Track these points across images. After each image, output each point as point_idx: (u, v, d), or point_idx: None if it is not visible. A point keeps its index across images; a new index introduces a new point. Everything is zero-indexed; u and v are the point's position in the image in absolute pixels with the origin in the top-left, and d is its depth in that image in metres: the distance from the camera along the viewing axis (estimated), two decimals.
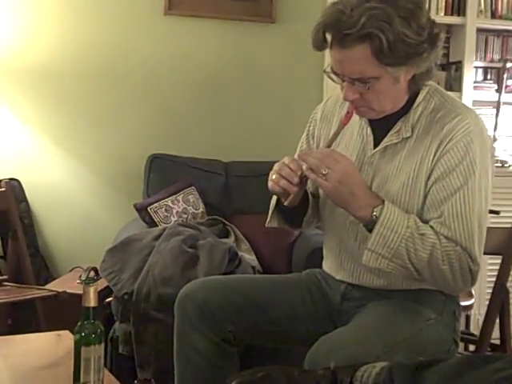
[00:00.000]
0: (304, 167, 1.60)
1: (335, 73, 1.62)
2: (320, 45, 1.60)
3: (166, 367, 2.15)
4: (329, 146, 1.68)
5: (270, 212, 1.87)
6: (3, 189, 2.77)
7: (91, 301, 1.52)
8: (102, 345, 1.53)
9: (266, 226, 1.89)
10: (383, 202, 1.60)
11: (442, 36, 1.61)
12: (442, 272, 1.57)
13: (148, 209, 2.94)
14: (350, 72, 1.58)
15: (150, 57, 3.43)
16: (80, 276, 2.98)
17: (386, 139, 1.70)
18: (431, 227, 1.60)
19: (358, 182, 1.61)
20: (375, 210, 1.58)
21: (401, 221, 1.57)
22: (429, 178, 1.63)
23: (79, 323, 1.51)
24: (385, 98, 1.63)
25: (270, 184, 1.67)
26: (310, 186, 1.86)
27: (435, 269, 1.57)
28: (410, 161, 1.66)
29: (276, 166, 1.67)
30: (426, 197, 1.64)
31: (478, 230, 1.60)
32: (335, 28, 1.53)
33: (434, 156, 1.63)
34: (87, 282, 1.54)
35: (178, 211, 2.98)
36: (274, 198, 1.84)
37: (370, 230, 1.59)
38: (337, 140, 1.74)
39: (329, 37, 1.56)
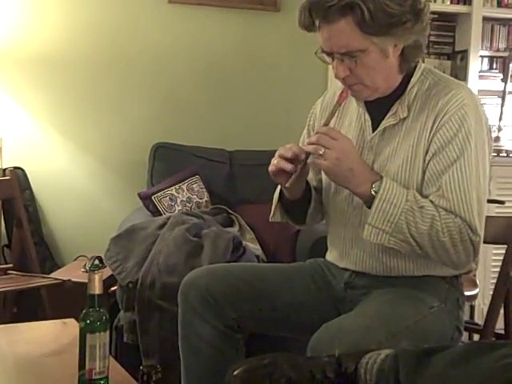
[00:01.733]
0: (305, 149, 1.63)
1: (325, 52, 1.65)
2: (308, 24, 1.63)
3: (171, 355, 2.16)
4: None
5: (274, 206, 1.87)
6: (8, 177, 2.78)
7: (96, 288, 1.52)
8: (108, 332, 1.53)
9: (270, 220, 1.89)
10: (382, 177, 1.62)
11: (427, 11, 1.63)
12: (443, 244, 1.58)
13: (152, 197, 2.94)
14: (338, 46, 1.61)
15: (155, 45, 3.42)
16: (85, 265, 2.99)
17: (383, 122, 1.72)
18: (430, 201, 1.61)
19: (356, 158, 1.63)
20: (374, 185, 1.60)
21: (400, 195, 1.59)
22: (426, 154, 1.65)
23: (84, 310, 1.52)
24: (375, 73, 1.64)
25: (270, 168, 1.69)
26: (312, 178, 1.87)
27: (436, 241, 1.58)
28: (407, 140, 1.68)
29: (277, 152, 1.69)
30: (424, 172, 1.65)
31: (476, 201, 1.60)
32: (318, 3, 1.58)
33: (431, 131, 1.65)
34: (92, 269, 1.54)
35: (182, 200, 2.98)
36: (277, 192, 1.85)
37: (370, 207, 1.60)
38: (336, 128, 1.76)
39: (314, 16, 1.60)
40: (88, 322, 1.51)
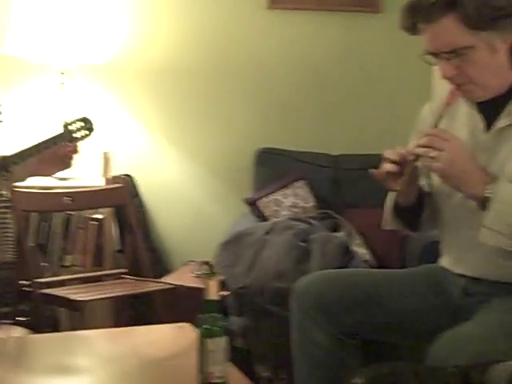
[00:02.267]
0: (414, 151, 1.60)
1: (430, 53, 1.62)
2: (410, 26, 1.61)
3: (283, 361, 2.18)
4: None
5: (386, 213, 1.85)
6: (120, 185, 2.88)
7: (213, 294, 1.55)
8: (225, 337, 1.56)
9: (382, 227, 1.87)
10: (495, 178, 1.57)
11: None
12: None
13: (258, 203, 2.97)
14: (443, 45, 1.58)
15: (256, 51, 3.45)
16: (194, 270, 3.07)
17: (497, 122, 1.66)
18: None
19: (469, 159, 1.59)
20: (489, 186, 1.55)
21: None
22: None
23: (202, 316, 1.55)
24: (485, 71, 1.60)
25: (376, 170, 1.67)
26: (424, 184, 1.84)
27: None
28: None
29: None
30: None
31: None
32: (420, 2, 1.55)
33: None
34: (208, 275, 1.57)
35: (288, 205, 3.00)
36: (389, 198, 1.83)
37: (483, 209, 1.55)
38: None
39: (416, 16, 1.58)
40: (206, 327, 1.54)
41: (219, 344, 1.54)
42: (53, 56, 3.08)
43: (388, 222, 1.86)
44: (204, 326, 1.53)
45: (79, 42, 3.03)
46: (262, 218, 2.95)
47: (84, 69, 3.21)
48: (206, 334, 1.53)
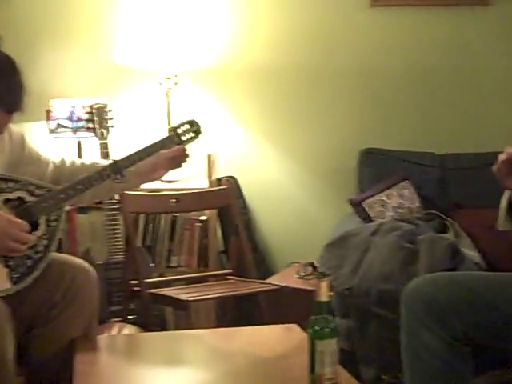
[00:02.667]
0: None
1: None
2: None
3: (390, 364, 2.13)
4: None
5: (501, 214, 1.77)
6: (224, 186, 2.91)
7: (323, 295, 1.54)
8: (336, 339, 1.54)
9: (498, 228, 1.80)
10: None
11: None
12: None
13: (363, 204, 2.93)
14: None
15: (359, 50, 3.41)
16: (298, 271, 3.07)
17: None
18: None
19: None
20: None
21: None
22: None
23: (312, 317, 1.54)
24: None
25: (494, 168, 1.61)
26: None
27: None
28: None
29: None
30: None
31: None
32: None
33: None
34: (319, 276, 1.55)
35: (393, 206, 2.95)
36: (504, 199, 1.75)
37: None
38: None
39: None
40: (316, 328, 1.52)
41: (330, 346, 1.52)
42: (158, 63, 3.16)
43: (502, 222, 1.78)
44: (315, 328, 1.52)
45: (183, 48, 3.09)
46: (367, 219, 2.91)
47: (188, 74, 3.27)
48: (316, 336, 1.51)
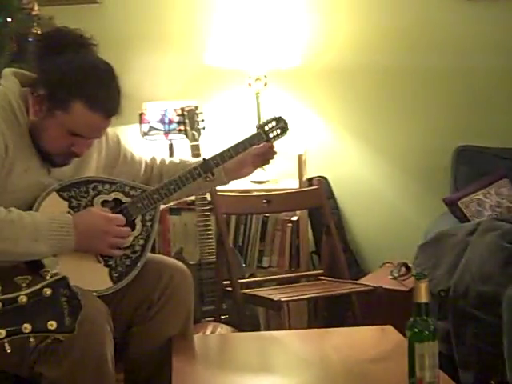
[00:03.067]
0: None
1: None
2: None
3: (490, 368, 2.06)
4: None
5: None
6: (315, 186, 2.89)
7: (423, 297, 1.50)
8: (436, 342, 1.50)
9: None
10: None
11: None
12: None
13: (458, 203, 2.85)
14: None
15: (453, 45, 3.32)
16: (391, 271, 3.01)
17: None
18: None
19: None
20: None
21: None
22: None
23: (411, 319, 1.50)
24: None
25: None
26: None
27: None
28: None
29: None
30: None
31: None
32: None
33: None
34: (418, 277, 1.51)
35: (491, 205, 2.85)
36: None
37: None
38: None
39: None
40: (416, 331, 1.49)
41: (430, 348, 1.48)
42: (247, 63, 3.18)
43: None
44: (414, 330, 1.48)
45: (272, 48, 3.10)
46: (463, 218, 2.82)
47: (277, 74, 3.28)
48: (416, 338, 1.48)
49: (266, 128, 2.19)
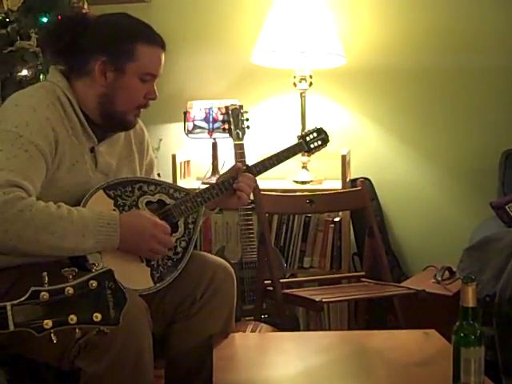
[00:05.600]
0: None
1: None
2: None
3: None
4: None
5: None
6: (359, 188, 2.86)
7: (470, 301, 1.47)
8: (483, 347, 1.47)
9: None
10: None
11: None
12: None
13: (506, 207, 2.79)
14: None
15: (503, 46, 3.25)
16: (435, 275, 2.97)
17: None
18: None
19: None
20: None
21: None
22: None
23: (457, 323, 1.48)
24: None
25: None
26: None
27: None
28: None
29: None
30: None
31: None
32: None
33: None
34: (466, 281, 1.48)
35: None
36: None
37: None
38: None
39: None
40: (462, 335, 1.46)
41: (476, 354, 1.46)
42: (293, 63, 3.18)
43: None
44: (460, 334, 1.46)
45: (317, 48, 3.08)
46: (510, 222, 2.77)
47: (322, 74, 3.27)
48: (461, 343, 1.45)
49: (308, 139, 2.27)
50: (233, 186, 2.02)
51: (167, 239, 1.84)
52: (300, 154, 3.09)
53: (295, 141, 2.28)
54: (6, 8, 2.55)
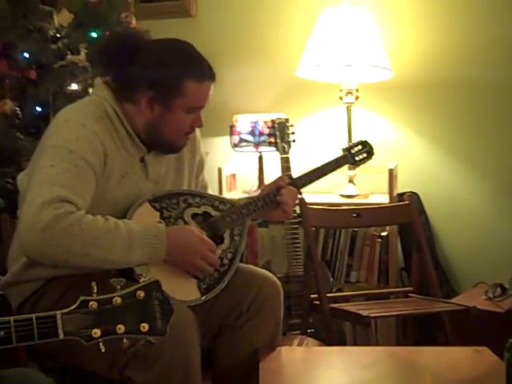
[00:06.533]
0: None
1: None
2: None
3: None
4: None
5: None
6: (406, 202, 2.82)
7: None
8: None
9: None
10: None
11: None
12: None
13: None
14: None
15: None
16: (486, 292, 2.91)
17: None
18: None
19: None
20: None
21: None
22: None
23: (510, 340, 1.43)
24: None
25: None
26: None
27: None
28: None
29: None
30: None
31: None
32: None
33: None
34: None
35: None
36: None
37: None
38: None
39: None
40: None
41: None
42: (339, 76, 3.17)
43: None
44: (510, 353, 1.41)
45: (363, 61, 3.07)
46: None
47: (368, 87, 3.24)
48: None
49: (352, 151, 2.27)
50: (277, 198, 2.01)
51: (211, 257, 1.84)
52: (347, 168, 3.13)
53: (340, 154, 2.27)
54: (56, 24, 2.60)
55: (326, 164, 2.19)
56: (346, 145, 2.33)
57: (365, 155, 2.28)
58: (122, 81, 1.85)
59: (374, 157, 2.33)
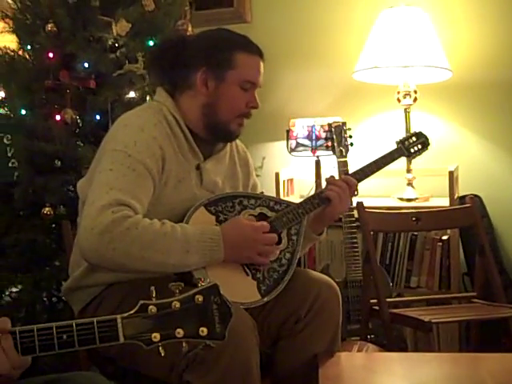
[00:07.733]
0: None
1: None
2: None
3: None
4: None
5: None
6: (468, 205, 2.76)
7: None
8: None
9: None
10: None
11: None
12: None
13: None
14: None
15: None
16: None
17: None
18: None
19: None
20: None
21: None
22: None
23: None
24: None
25: None
26: None
27: None
28: None
29: None
30: None
31: None
32: None
33: None
34: None
35: None
36: None
37: None
38: None
39: None
40: None
41: None
42: (397, 78, 3.12)
43: None
44: None
45: (421, 62, 3.02)
46: None
47: (427, 88, 3.19)
48: None
49: (407, 143, 2.20)
50: (325, 193, 1.97)
51: (270, 237, 1.83)
52: (405, 171, 3.09)
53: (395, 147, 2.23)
54: (115, 33, 2.65)
55: (380, 158, 2.14)
56: (400, 137, 2.27)
57: (420, 146, 2.21)
58: (177, 71, 1.90)
59: (429, 147, 2.22)
